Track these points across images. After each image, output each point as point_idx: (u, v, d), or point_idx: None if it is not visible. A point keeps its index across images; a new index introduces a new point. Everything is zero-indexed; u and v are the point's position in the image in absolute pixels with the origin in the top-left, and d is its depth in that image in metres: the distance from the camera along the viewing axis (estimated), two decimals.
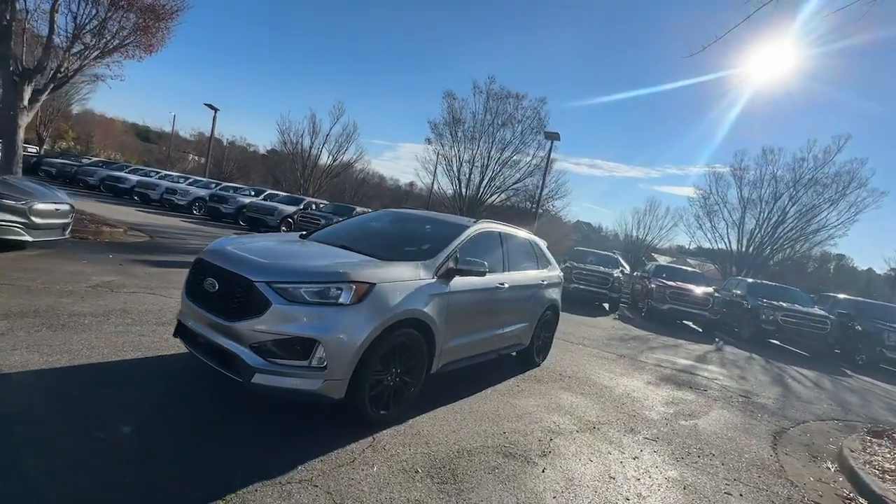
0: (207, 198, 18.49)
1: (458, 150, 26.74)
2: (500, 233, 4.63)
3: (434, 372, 3.57)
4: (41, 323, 3.75)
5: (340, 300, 2.77)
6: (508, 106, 25.58)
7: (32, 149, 28.44)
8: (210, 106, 26.46)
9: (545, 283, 5.27)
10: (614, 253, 27.83)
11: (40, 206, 6.12)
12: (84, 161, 24.27)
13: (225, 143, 50.27)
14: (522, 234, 5.26)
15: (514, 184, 26.62)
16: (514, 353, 5.12)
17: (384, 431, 3.03)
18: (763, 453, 4.07)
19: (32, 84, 8.75)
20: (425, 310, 3.24)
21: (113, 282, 5.57)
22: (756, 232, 25.90)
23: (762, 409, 5.58)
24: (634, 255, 36.95)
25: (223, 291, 2.85)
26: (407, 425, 3.20)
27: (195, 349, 2.97)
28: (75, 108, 52.37)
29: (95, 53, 9.33)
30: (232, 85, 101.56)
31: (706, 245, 29.45)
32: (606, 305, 13.63)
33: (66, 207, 6.69)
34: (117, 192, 20.35)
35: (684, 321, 12.90)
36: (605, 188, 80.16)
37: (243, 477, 2.25)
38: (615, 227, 48.27)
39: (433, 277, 3.43)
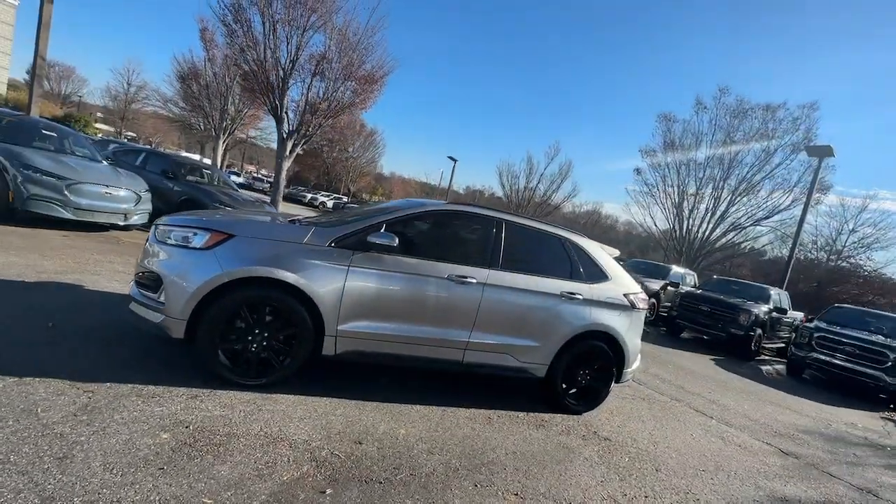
0: None
1: (679, 181, 22.39)
2: (490, 219, 3.76)
3: (329, 355, 3.18)
4: None
5: (192, 244, 2.92)
6: (754, 121, 19.84)
7: (345, 198, 40.75)
8: (451, 158, 31.44)
9: (580, 298, 3.87)
10: None
11: None
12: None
13: (486, 194, 58.79)
14: (548, 229, 4.08)
15: (764, 218, 20.11)
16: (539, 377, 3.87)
17: (230, 392, 2.90)
18: None
19: (292, 141, 12.72)
20: (299, 275, 2.98)
21: None
22: None
23: None
24: None
25: None
26: (261, 395, 2.96)
27: None
28: (385, 172, 72.35)
29: (328, 115, 12.80)
30: (485, 137, 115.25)
31: None
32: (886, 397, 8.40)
33: None
34: None
35: None
36: None
37: (56, 372, 2.64)
38: None
39: (325, 245, 3.14)
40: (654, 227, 24.65)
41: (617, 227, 54.70)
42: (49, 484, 1.81)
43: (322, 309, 3.07)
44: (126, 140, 23.54)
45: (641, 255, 28.38)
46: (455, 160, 31.59)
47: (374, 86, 12.97)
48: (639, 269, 13.71)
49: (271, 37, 11.97)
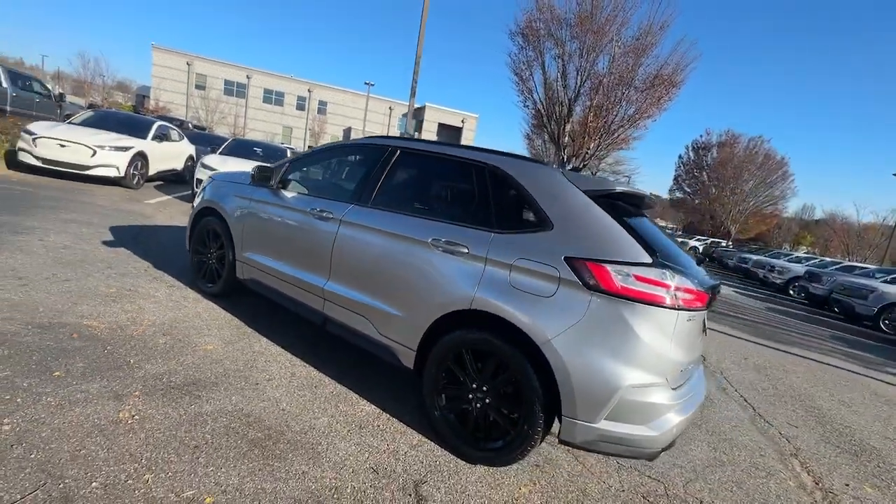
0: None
1: None
2: (378, 148, 3.05)
3: (241, 279, 3.61)
4: None
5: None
6: None
7: (724, 243, 33.67)
8: None
9: (465, 251, 2.36)
10: None
11: None
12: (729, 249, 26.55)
13: None
14: (464, 154, 2.67)
15: None
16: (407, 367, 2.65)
17: (187, 291, 3.90)
18: None
19: (571, 163, 12.76)
20: (223, 203, 3.69)
21: None
22: None
23: None
24: None
25: None
26: (200, 299, 3.77)
27: None
28: (818, 215, 53.91)
29: (602, 134, 12.01)
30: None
31: None
32: None
33: None
34: (747, 274, 20.85)
35: None
36: None
37: (151, 258, 4.51)
38: None
39: (249, 183, 3.66)
40: None
41: None
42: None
43: (233, 233, 3.61)
44: None
45: None
46: None
47: (663, 89, 11.06)
48: None
49: (560, 78, 12.74)
